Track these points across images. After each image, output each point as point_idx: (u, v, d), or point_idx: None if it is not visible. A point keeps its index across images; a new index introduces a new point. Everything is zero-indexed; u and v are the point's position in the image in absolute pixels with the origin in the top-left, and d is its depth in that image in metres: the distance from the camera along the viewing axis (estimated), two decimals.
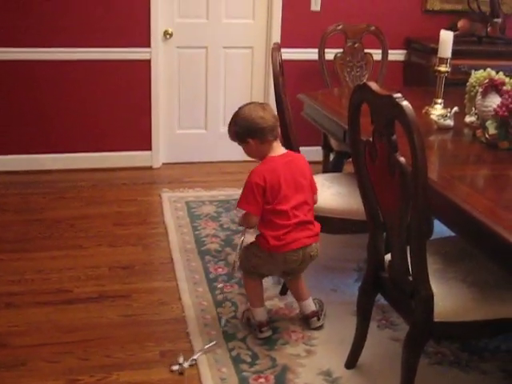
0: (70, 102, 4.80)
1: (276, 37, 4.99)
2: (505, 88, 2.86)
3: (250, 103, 2.93)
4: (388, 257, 2.40)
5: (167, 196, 4.48)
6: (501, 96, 2.85)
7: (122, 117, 4.92)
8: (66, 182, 4.67)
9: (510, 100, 2.79)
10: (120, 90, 4.87)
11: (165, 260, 3.61)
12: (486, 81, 2.94)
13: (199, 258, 3.61)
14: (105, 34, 4.72)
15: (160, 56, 4.88)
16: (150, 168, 5.04)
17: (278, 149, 2.82)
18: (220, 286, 3.32)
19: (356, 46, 4.67)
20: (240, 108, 2.89)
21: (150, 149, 5.03)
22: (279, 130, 2.84)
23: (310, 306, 2.97)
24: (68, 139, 4.88)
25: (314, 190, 2.87)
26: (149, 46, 4.81)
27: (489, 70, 3.03)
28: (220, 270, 3.49)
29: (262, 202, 2.74)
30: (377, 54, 4.73)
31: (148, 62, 4.84)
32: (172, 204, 4.35)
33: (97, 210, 4.24)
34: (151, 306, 3.13)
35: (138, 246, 3.76)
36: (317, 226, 2.83)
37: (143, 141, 5.00)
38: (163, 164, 5.12)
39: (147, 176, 4.91)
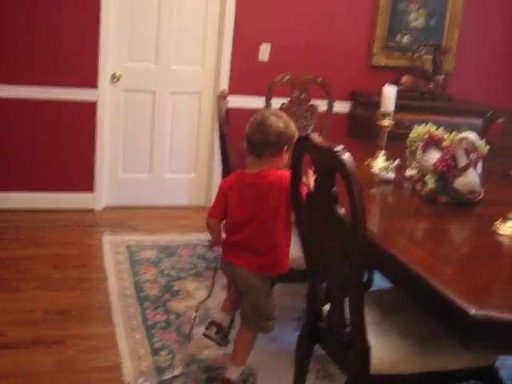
0: (12, 140, 4.71)
1: (224, 84, 5.04)
2: (444, 144, 2.94)
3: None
4: (327, 307, 2.40)
5: (108, 240, 4.41)
6: (440, 151, 2.93)
7: (65, 157, 4.85)
8: (6, 221, 4.55)
9: (448, 155, 2.87)
10: (64, 129, 4.81)
11: (103, 305, 3.53)
12: (427, 136, 3.01)
13: (138, 304, 3.55)
14: (52, 72, 4.67)
15: (107, 98, 4.86)
16: (92, 211, 4.97)
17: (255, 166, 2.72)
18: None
19: (302, 96, 4.74)
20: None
21: (92, 191, 4.97)
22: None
23: (232, 374, 2.79)
24: (8, 178, 4.77)
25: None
26: (96, 87, 4.79)
27: (430, 125, 3.11)
28: (158, 316, 3.44)
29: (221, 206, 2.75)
30: (323, 105, 4.81)
31: (94, 104, 4.81)
32: (113, 248, 4.29)
33: (36, 251, 4.14)
34: (86, 353, 3.04)
35: (76, 290, 3.67)
36: (266, 259, 2.69)
37: (86, 182, 4.93)
38: (106, 207, 5.06)
39: (89, 219, 4.83)
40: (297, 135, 2.63)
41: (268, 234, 2.66)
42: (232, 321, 2.95)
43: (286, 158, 2.68)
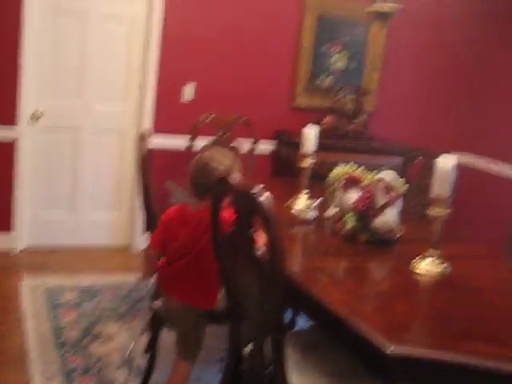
0: None
1: (147, 122, 5.02)
2: (363, 183, 3.00)
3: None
4: (248, 348, 2.38)
5: (27, 282, 4.28)
6: (359, 191, 2.98)
7: None
8: None
9: (367, 194, 2.92)
10: None
11: (19, 350, 3.39)
12: (346, 176, 3.06)
13: (56, 349, 3.43)
14: None
15: (28, 135, 4.76)
16: (11, 251, 4.80)
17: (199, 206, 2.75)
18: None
19: (226, 135, 4.76)
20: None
21: (11, 231, 4.82)
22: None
23: None
24: None
25: None
26: (15, 124, 4.68)
27: (349, 165, 3.16)
28: (78, 360, 3.33)
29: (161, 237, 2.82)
30: (247, 144, 4.84)
31: (14, 141, 4.70)
32: (32, 290, 4.16)
33: None
34: None
35: None
36: (198, 291, 2.76)
37: (4, 222, 4.78)
38: (25, 247, 4.90)
39: (7, 260, 4.67)
40: (238, 171, 2.74)
41: (203, 266, 2.71)
42: None
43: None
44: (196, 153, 4.63)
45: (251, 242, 2.06)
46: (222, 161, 2.72)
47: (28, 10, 4.55)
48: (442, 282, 2.54)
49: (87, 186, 5.08)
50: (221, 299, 2.83)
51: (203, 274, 2.73)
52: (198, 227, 2.69)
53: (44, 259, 4.74)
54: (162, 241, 2.81)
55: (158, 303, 2.96)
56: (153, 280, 3.00)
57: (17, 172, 4.76)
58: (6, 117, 4.65)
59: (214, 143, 4.71)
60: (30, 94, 4.72)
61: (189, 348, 2.82)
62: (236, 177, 2.71)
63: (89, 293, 4.23)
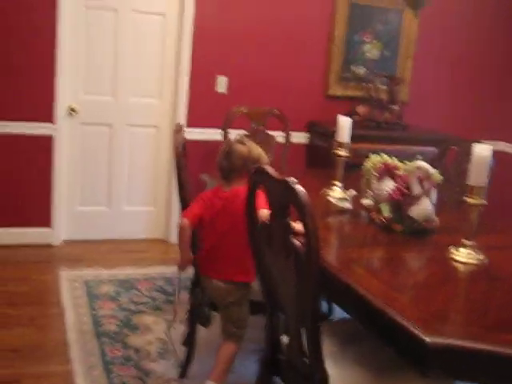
0: None
1: (181, 117, 5.05)
2: (398, 173, 2.98)
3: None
4: (285, 338, 2.39)
5: (65, 275, 4.35)
6: (395, 180, 2.96)
7: (21, 192, 4.79)
8: None
9: (403, 184, 2.90)
10: (21, 164, 4.75)
11: (59, 342, 3.46)
12: (381, 165, 3.05)
13: (96, 340, 3.49)
14: (7, 106, 4.63)
15: (63, 132, 4.83)
16: (50, 245, 4.89)
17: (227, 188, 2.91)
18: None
19: (259, 127, 4.77)
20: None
21: (49, 225, 4.90)
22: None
23: None
24: None
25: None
26: (52, 121, 4.75)
27: (383, 154, 3.14)
28: (117, 351, 3.38)
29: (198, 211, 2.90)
30: (280, 137, 4.84)
31: (51, 138, 4.77)
32: (70, 283, 4.22)
33: None
34: None
35: (30, 327, 3.60)
36: (241, 267, 2.86)
37: (43, 217, 4.86)
38: (63, 241, 4.98)
39: (46, 253, 4.75)
40: (263, 158, 2.90)
41: (241, 244, 2.73)
42: None
43: None
44: None
45: (287, 231, 2.06)
46: (243, 143, 2.93)
47: (62, 6, 4.61)
48: (478, 273, 2.52)
49: (123, 180, 5.14)
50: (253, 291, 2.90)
51: (240, 249, 2.78)
52: (233, 206, 2.82)
53: (81, 253, 4.81)
54: (197, 215, 2.88)
55: (199, 291, 2.99)
56: (190, 270, 3.03)
57: (54, 168, 4.83)
58: (42, 114, 4.72)
59: (247, 136, 4.72)
60: (66, 91, 4.78)
61: (234, 327, 2.92)
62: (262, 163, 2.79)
63: (126, 285, 4.28)
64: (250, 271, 2.81)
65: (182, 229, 2.89)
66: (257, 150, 2.93)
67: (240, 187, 2.82)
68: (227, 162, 2.88)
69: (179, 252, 2.97)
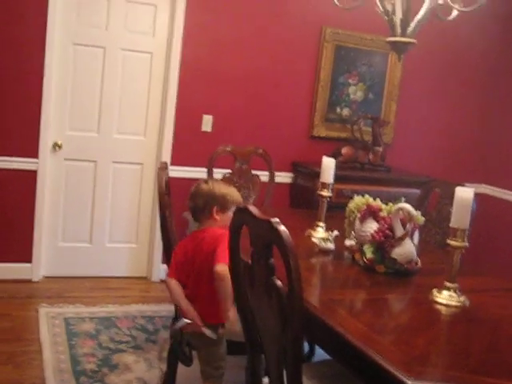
0: None
1: (166, 154, 5.06)
2: (381, 214, 2.99)
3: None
4: (266, 380, 2.37)
5: (45, 311, 4.29)
6: (377, 222, 2.97)
7: (2, 226, 4.75)
8: None
9: (385, 226, 2.92)
10: (3, 198, 4.73)
11: (36, 380, 3.40)
12: (364, 207, 3.06)
13: (74, 379, 3.43)
14: None
15: (47, 167, 4.82)
16: (30, 281, 4.83)
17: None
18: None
19: (244, 167, 4.78)
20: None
21: (30, 261, 4.85)
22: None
23: None
24: None
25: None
26: (36, 156, 4.74)
27: (367, 196, 3.16)
28: None
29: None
30: (264, 176, 4.86)
31: (34, 173, 4.76)
32: (49, 320, 4.17)
33: None
34: None
35: (8, 365, 3.53)
36: (210, 307, 2.82)
37: (24, 252, 4.82)
38: (44, 277, 4.94)
39: (26, 289, 4.69)
40: (230, 196, 2.88)
41: (212, 285, 2.74)
42: None
43: (222, 218, 2.86)
44: None
45: (269, 271, 2.06)
46: (207, 182, 2.96)
47: (50, 42, 4.64)
48: (460, 315, 2.52)
49: (106, 217, 5.12)
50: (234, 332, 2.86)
51: (211, 290, 2.76)
52: (201, 246, 2.83)
53: (62, 289, 4.76)
54: (180, 267, 2.85)
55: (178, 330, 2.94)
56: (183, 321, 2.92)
57: (37, 203, 4.81)
58: (26, 149, 4.71)
59: (232, 174, 4.74)
60: (51, 126, 4.79)
61: (211, 368, 2.88)
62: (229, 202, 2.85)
63: (106, 323, 4.23)
64: (223, 312, 2.80)
65: (171, 290, 2.85)
66: (222, 189, 2.91)
67: (208, 228, 2.87)
68: (192, 202, 2.91)
69: (181, 308, 2.90)
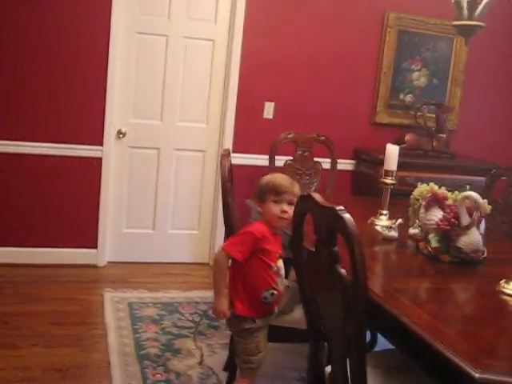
0: (17, 195, 4.74)
1: (228, 142, 5.08)
2: (447, 202, 2.93)
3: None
4: (328, 368, 2.36)
5: (109, 296, 4.37)
6: (443, 210, 2.91)
7: (68, 213, 4.86)
8: (5, 276, 4.51)
9: (451, 214, 2.85)
10: (69, 185, 4.83)
11: (102, 363, 3.47)
12: (429, 195, 3.01)
13: (137, 363, 3.49)
14: (57, 129, 4.72)
15: (112, 154, 4.90)
16: (95, 266, 4.94)
17: None
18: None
19: (306, 154, 4.76)
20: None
21: (95, 247, 4.95)
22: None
23: None
24: (10, 232, 4.77)
25: None
26: (101, 144, 4.82)
27: (431, 184, 3.10)
28: (158, 375, 3.38)
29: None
30: (326, 163, 4.82)
31: (99, 160, 4.84)
32: (114, 304, 4.25)
33: (34, 307, 4.10)
34: None
35: (75, 348, 3.62)
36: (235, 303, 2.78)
37: (89, 238, 4.93)
38: (108, 263, 5.03)
39: (91, 274, 4.80)
40: (282, 187, 2.74)
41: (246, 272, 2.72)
42: None
43: (264, 209, 2.77)
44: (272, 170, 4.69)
45: (333, 259, 2.04)
46: (269, 175, 2.86)
47: (114, 31, 4.70)
48: None
49: (169, 204, 5.17)
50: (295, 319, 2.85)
51: (245, 280, 2.74)
52: None
53: (126, 275, 4.85)
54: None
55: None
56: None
57: (101, 190, 4.90)
58: (92, 136, 4.80)
59: (294, 161, 4.72)
60: (115, 114, 4.86)
61: (240, 360, 2.83)
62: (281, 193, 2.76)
63: (169, 308, 4.29)
64: (251, 306, 2.74)
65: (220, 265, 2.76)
66: (263, 180, 2.81)
67: (255, 221, 2.82)
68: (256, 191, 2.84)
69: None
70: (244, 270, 2.70)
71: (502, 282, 2.53)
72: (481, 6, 3.15)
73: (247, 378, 2.82)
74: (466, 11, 3.19)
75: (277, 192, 2.72)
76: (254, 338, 2.77)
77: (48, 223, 4.84)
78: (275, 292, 2.74)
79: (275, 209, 2.72)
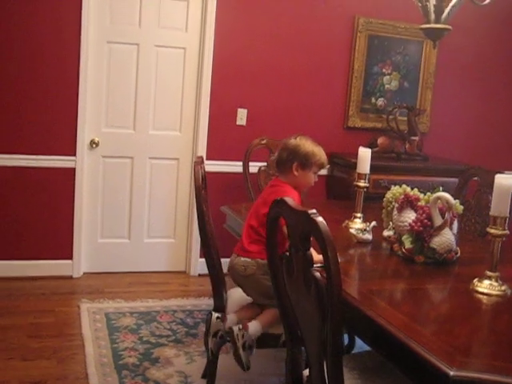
0: None
1: (202, 149, 5.08)
2: (419, 204, 2.96)
3: None
4: (307, 372, 2.36)
5: (86, 307, 4.35)
6: (416, 211, 2.94)
7: (42, 224, 4.83)
8: None
9: (424, 215, 2.88)
10: (42, 197, 4.80)
11: (80, 374, 3.44)
12: (402, 197, 3.03)
13: (116, 373, 3.47)
14: (29, 140, 4.69)
15: (85, 164, 4.88)
16: (70, 277, 4.91)
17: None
18: None
19: None
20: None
21: (70, 258, 4.92)
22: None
23: (253, 325, 2.85)
24: None
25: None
26: (74, 154, 4.80)
27: (404, 186, 3.14)
28: None
29: None
30: None
31: (72, 170, 4.82)
32: (91, 315, 4.22)
33: (10, 320, 4.06)
34: None
35: (52, 360, 3.59)
36: (251, 248, 2.93)
37: (64, 249, 4.89)
38: (84, 273, 5.00)
39: (67, 286, 4.76)
40: (313, 156, 2.92)
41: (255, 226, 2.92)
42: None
43: (300, 174, 2.94)
44: (249, 177, 4.70)
45: (307, 263, 2.05)
46: (296, 138, 2.98)
47: (84, 41, 4.69)
48: (502, 304, 2.48)
49: (144, 212, 5.16)
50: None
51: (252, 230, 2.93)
52: (266, 191, 3.04)
53: (102, 285, 4.82)
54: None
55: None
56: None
57: (75, 200, 4.87)
58: (64, 147, 4.78)
59: (267, 167, 4.73)
60: (87, 124, 4.84)
61: (266, 298, 2.90)
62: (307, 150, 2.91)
63: (146, 317, 4.27)
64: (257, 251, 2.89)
65: None
66: (308, 148, 2.94)
67: (285, 183, 2.93)
68: (277, 155, 2.99)
69: None
70: None
71: (475, 280, 2.56)
72: (447, 10, 3.20)
73: (275, 309, 2.82)
74: (432, 15, 3.23)
75: (321, 167, 3.00)
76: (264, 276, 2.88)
77: (22, 235, 4.79)
78: None
79: (312, 179, 3.00)
